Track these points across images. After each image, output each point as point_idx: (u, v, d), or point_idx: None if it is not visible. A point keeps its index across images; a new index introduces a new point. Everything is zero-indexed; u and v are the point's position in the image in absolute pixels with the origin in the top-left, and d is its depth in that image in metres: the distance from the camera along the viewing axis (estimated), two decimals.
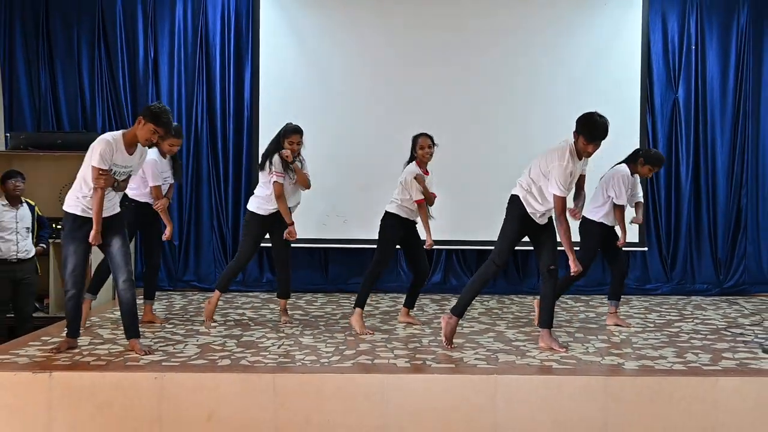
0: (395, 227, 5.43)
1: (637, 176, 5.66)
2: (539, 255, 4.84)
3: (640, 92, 7.29)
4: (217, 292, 5.65)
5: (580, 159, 4.61)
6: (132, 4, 7.42)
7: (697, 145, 7.44)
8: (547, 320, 4.82)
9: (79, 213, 4.51)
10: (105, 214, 4.48)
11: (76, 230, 4.51)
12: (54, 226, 6.38)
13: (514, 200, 4.76)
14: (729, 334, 5.42)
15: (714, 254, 7.45)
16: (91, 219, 4.44)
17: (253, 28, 7.35)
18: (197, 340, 4.99)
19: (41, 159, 6.77)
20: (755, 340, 5.16)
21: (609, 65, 7.23)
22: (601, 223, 5.55)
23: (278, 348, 4.80)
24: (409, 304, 5.76)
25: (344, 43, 7.33)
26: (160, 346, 4.79)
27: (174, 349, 4.75)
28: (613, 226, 5.60)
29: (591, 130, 4.47)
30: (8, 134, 7.00)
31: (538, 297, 5.06)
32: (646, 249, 7.39)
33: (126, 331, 4.66)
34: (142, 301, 5.49)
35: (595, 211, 5.57)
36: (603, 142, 4.57)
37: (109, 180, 4.41)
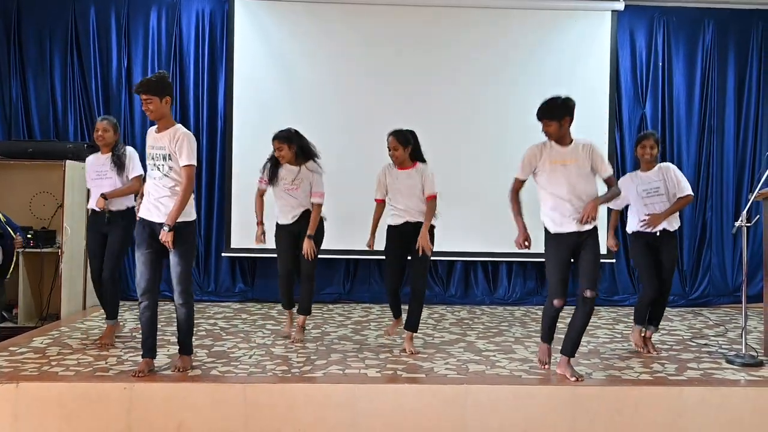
0: (388, 238, 5.09)
1: (648, 171, 5.10)
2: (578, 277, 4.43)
3: (609, 107, 7.42)
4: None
5: (563, 144, 4.39)
6: (105, 14, 7.38)
7: (664, 160, 7.52)
8: (570, 349, 4.44)
9: (142, 215, 4.35)
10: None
11: (139, 233, 4.33)
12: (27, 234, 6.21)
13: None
14: (694, 344, 5.51)
15: (680, 266, 7.55)
16: (153, 222, 4.26)
17: (228, 38, 7.35)
18: (167, 351, 4.95)
19: (12, 168, 6.68)
20: (719, 350, 5.26)
21: (577, 81, 7.24)
22: (634, 233, 5.19)
23: (249, 358, 4.77)
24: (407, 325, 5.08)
25: (319, 52, 7.36)
26: (130, 357, 4.74)
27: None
28: (655, 233, 5.06)
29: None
30: None
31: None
32: (614, 261, 7.49)
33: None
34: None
35: (628, 225, 5.30)
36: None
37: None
